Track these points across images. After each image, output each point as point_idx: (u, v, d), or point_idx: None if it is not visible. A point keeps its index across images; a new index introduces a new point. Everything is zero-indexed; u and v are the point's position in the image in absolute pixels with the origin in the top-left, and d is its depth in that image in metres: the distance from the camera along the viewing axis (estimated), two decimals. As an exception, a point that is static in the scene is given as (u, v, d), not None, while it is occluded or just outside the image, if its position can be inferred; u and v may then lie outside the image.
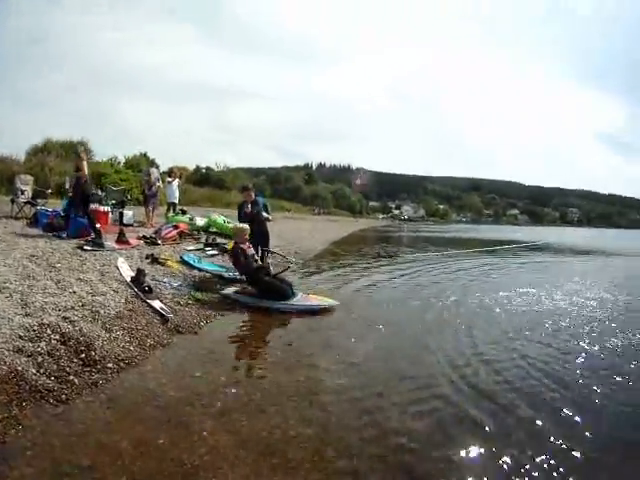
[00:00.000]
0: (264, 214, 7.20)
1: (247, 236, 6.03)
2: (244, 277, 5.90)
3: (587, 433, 2.65)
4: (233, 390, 3.04)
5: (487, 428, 2.66)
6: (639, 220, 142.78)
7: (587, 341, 4.57)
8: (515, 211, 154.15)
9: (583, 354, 4.14)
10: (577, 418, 2.84)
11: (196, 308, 4.97)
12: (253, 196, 7.24)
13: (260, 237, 6.97)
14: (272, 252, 7.36)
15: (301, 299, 5.58)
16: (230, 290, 5.74)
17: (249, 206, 6.99)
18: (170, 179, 12.39)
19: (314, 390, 3.16)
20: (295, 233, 16.34)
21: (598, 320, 5.61)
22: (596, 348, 4.33)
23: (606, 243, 28.98)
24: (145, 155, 29.05)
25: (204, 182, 40.20)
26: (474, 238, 30.66)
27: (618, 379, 3.55)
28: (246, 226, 6.12)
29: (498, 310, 6.01)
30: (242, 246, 5.81)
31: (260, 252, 6.94)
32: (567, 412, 2.91)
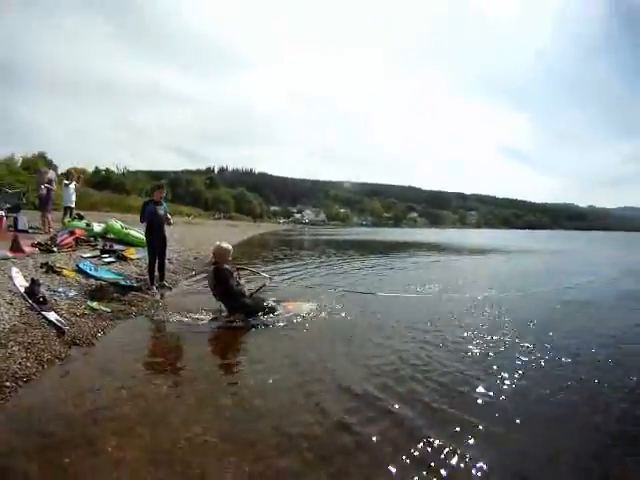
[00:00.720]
0: (169, 217, 7.17)
1: (230, 257, 5.71)
2: (222, 300, 5.45)
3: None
4: (134, 402, 3.00)
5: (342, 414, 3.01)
6: (533, 221, 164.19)
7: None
8: (414, 214, 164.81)
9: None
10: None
11: (92, 318, 4.89)
12: (163, 197, 7.23)
13: (158, 242, 7.01)
14: (246, 269, 7.23)
15: (284, 310, 5.58)
16: (215, 324, 5.25)
17: (156, 207, 6.92)
18: (67, 182, 11.75)
19: (217, 397, 3.17)
20: (195, 238, 16.28)
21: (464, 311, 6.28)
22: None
23: (496, 243, 32.55)
24: (44, 156, 26.75)
25: (103, 185, 37.90)
26: (373, 240, 32.88)
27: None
28: (229, 246, 5.68)
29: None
30: (227, 267, 5.53)
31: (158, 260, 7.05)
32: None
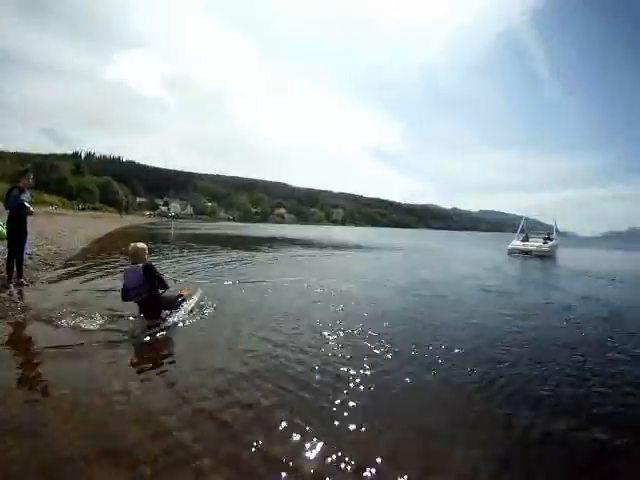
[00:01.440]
0: (28, 206, 6.57)
1: (146, 255, 5.29)
2: (144, 299, 5.00)
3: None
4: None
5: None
6: (398, 220, 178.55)
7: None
8: (282, 210, 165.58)
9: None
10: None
11: None
12: (30, 184, 6.68)
13: (18, 234, 6.56)
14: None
15: (186, 304, 5.49)
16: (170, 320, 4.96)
17: (21, 195, 6.41)
18: None
19: (83, 402, 2.93)
20: (56, 231, 15.01)
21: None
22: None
23: (359, 240, 35.20)
24: None
25: None
26: (237, 235, 33.26)
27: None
28: (144, 245, 5.25)
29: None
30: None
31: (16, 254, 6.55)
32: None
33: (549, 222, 29.05)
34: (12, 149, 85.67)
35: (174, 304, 5.33)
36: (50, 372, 3.48)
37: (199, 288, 6.61)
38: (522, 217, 27.17)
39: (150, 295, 5.00)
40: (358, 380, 3.61)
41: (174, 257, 12.98)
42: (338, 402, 3.16)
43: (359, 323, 5.56)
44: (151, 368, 3.66)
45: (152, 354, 4.06)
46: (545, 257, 21.97)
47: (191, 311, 5.53)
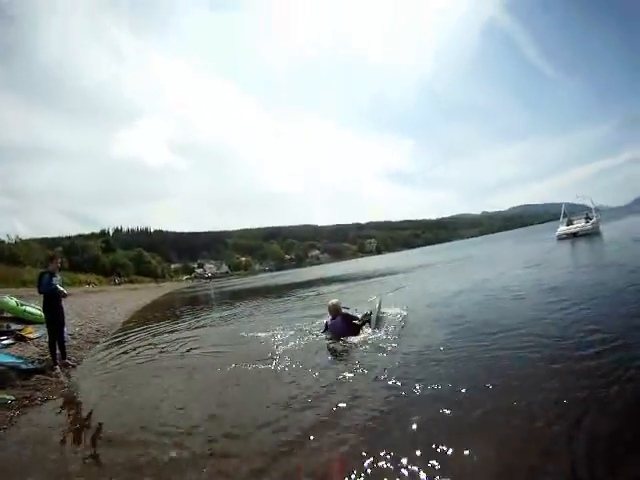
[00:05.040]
0: (61, 289, 6.80)
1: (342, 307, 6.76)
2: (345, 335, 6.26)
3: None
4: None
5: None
6: (431, 237, 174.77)
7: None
8: (316, 252, 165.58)
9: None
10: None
11: None
12: (59, 266, 6.94)
13: (56, 317, 6.68)
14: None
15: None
16: None
17: (52, 279, 6.62)
18: None
19: None
20: (96, 308, 15.36)
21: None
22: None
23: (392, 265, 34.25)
24: None
25: None
26: (275, 285, 33.14)
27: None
28: (338, 300, 6.87)
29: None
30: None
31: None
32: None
33: (581, 203, 33.34)
34: (40, 234, 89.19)
35: (368, 323, 6.63)
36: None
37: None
38: (548, 204, 29.03)
39: (350, 329, 6.37)
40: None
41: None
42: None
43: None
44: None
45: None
46: (591, 235, 23.31)
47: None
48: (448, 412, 3.20)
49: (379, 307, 7.64)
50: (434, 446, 2.68)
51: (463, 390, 3.58)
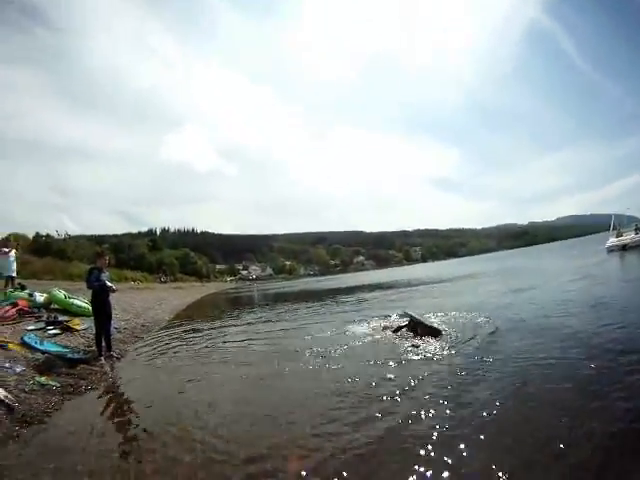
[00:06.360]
0: (110, 285, 7.09)
1: None
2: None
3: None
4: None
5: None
6: (477, 247, 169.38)
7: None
8: (361, 258, 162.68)
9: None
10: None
11: (42, 394, 4.72)
12: (107, 263, 7.25)
13: (103, 311, 6.94)
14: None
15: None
16: None
17: (101, 275, 6.91)
18: (6, 249, 11.29)
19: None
20: (142, 305, 15.85)
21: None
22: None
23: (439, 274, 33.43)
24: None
25: (44, 252, 35.25)
26: (320, 289, 33.03)
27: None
28: None
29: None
30: None
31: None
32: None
33: (629, 214, 31.74)
34: (88, 232, 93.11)
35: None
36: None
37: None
38: (596, 215, 28.02)
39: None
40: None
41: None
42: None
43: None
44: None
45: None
46: None
47: None
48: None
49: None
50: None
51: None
